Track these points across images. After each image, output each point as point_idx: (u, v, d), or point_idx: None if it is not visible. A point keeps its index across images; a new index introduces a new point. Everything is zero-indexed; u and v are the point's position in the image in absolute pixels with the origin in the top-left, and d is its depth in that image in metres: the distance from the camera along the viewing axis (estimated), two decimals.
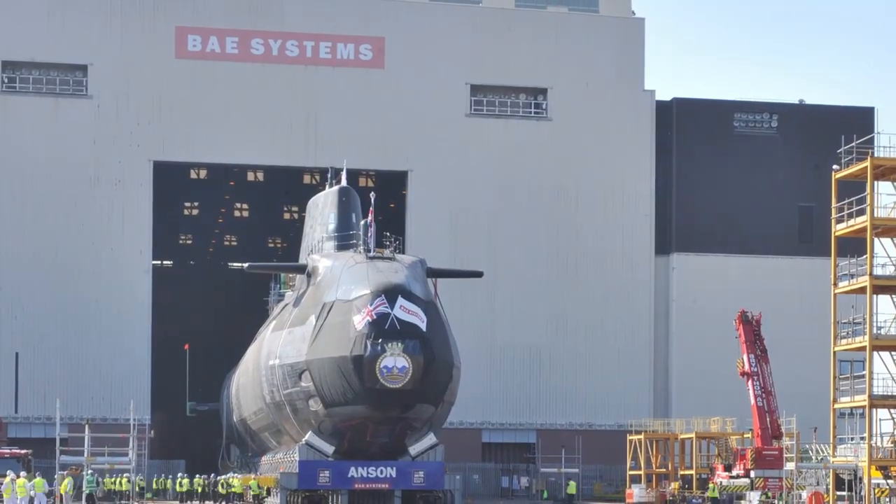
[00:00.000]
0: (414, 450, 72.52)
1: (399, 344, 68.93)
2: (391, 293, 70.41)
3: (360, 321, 69.71)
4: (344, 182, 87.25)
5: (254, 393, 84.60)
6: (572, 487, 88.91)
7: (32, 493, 70.26)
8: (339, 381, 69.86)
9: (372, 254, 74.93)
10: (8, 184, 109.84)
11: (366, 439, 71.98)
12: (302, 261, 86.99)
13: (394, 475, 71.67)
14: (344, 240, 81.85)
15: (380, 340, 68.96)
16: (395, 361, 68.53)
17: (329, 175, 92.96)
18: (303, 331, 73.85)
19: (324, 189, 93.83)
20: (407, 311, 69.96)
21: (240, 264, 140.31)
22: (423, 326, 70.22)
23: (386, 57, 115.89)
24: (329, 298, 72.85)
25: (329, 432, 72.16)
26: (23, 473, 70.68)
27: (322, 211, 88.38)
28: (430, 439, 72.88)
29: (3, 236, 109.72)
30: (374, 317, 69.49)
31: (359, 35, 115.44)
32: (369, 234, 76.57)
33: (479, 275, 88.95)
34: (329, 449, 72.18)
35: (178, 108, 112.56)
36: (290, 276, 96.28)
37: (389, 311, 69.65)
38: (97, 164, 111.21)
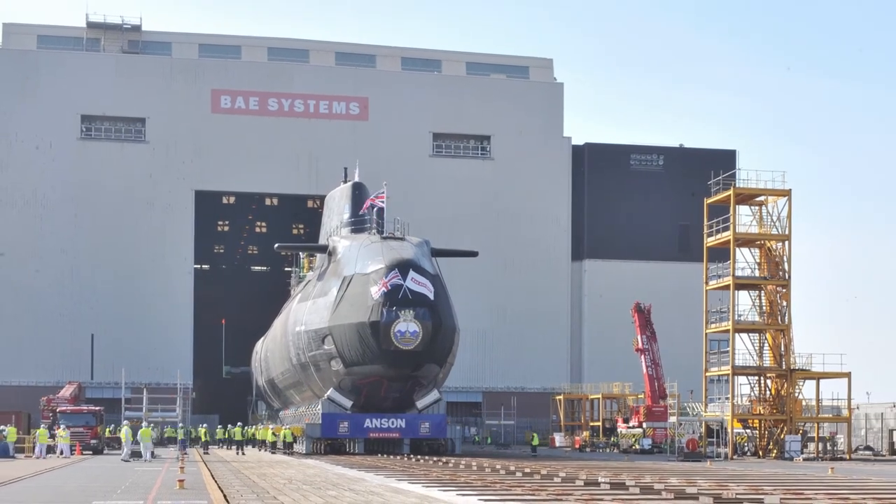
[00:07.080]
0: (421, 404, 69.03)
1: (411, 311, 65.37)
2: (403, 267, 66.47)
3: (376, 291, 65.99)
4: (356, 178, 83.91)
5: (281, 356, 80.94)
6: (535, 439, 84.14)
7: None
8: (358, 344, 66.57)
9: (385, 234, 71.11)
10: (86, 208, 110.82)
11: (380, 395, 68.53)
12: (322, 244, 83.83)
13: (403, 426, 68.24)
14: (357, 224, 77.71)
15: (394, 308, 65.28)
16: (408, 326, 65.08)
17: (343, 175, 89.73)
18: (325, 301, 70.10)
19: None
20: (417, 283, 66.10)
21: (261, 267, 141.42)
22: (432, 296, 66.44)
23: (370, 112, 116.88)
24: (348, 272, 68.88)
25: (348, 388, 68.92)
26: (62, 425, 66.03)
27: (338, 203, 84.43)
28: (435, 395, 69.66)
29: (82, 248, 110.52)
30: (389, 287, 65.63)
31: (349, 96, 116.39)
32: (381, 216, 72.99)
33: (474, 254, 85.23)
34: (348, 403, 68.87)
35: (213, 151, 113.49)
36: (310, 261, 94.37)
37: (402, 282, 65.74)
38: (152, 193, 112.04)
